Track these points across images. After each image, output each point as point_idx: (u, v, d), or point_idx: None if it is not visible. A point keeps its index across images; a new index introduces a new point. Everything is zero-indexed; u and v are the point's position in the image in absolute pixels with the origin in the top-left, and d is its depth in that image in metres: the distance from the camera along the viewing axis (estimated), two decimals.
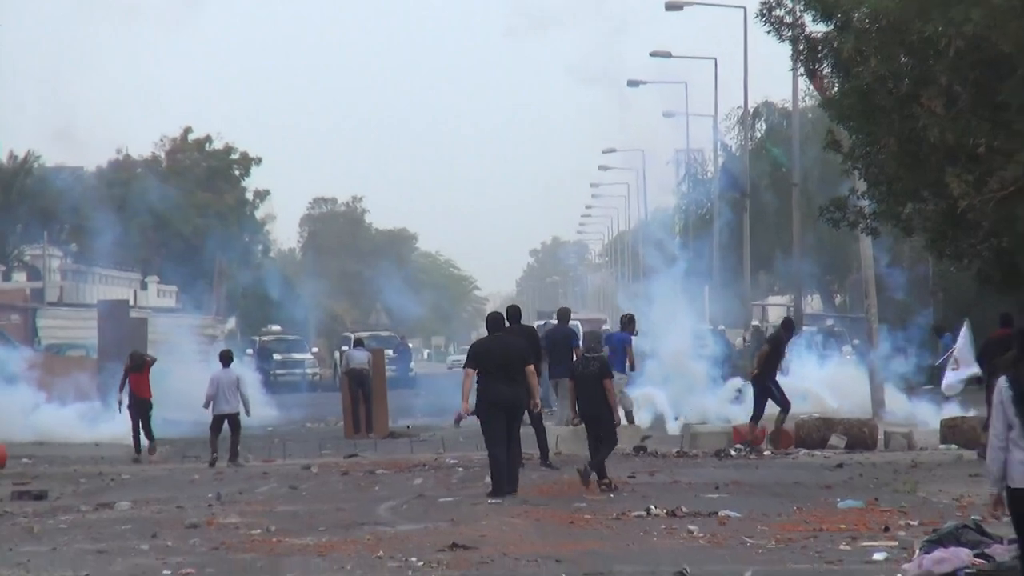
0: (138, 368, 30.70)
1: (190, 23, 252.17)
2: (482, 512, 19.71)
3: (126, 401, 30.40)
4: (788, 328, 30.25)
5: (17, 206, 73.86)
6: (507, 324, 23.52)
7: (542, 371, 25.18)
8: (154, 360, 30.85)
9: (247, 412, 28.84)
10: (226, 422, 28.48)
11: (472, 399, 22.15)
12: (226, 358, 29.36)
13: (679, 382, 36.81)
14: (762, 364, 28.53)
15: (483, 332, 24.04)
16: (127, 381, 30.49)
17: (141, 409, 30.37)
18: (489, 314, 23.46)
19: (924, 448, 28.96)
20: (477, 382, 21.89)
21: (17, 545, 17.31)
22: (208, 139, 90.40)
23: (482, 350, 22.10)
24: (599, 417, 22.09)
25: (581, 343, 27.14)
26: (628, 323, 30.36)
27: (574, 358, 26.24)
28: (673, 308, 45.80)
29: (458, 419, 24.80)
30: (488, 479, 23.52)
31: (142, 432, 30.30)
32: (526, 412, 23.04)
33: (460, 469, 26.45)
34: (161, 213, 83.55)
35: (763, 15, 25.52)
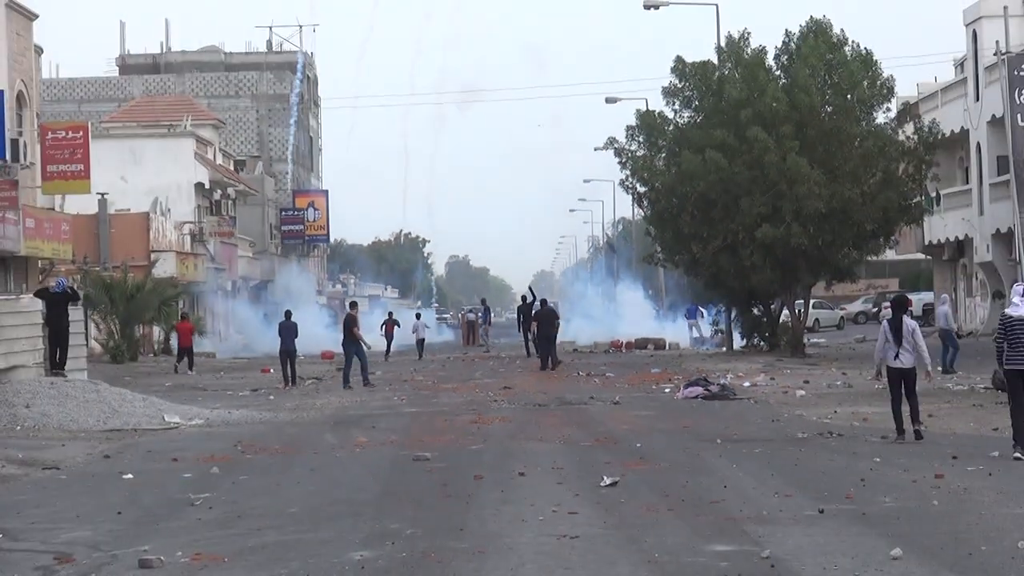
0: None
1: None
2: (517, 373, 33.76)
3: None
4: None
5: None
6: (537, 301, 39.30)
7: (531, 331, 39.83)
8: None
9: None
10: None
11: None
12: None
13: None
14: None
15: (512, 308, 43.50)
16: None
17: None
18: (541, 301, 39.37)
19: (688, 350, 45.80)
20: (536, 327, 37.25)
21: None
22: None
23: (539, 312, 36.94)
24: (551, 337, 36.59)
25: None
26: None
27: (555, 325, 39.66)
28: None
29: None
30: (519, 363, 40.28)
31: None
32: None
33: (506, 359, 42.87)
34: None
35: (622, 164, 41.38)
